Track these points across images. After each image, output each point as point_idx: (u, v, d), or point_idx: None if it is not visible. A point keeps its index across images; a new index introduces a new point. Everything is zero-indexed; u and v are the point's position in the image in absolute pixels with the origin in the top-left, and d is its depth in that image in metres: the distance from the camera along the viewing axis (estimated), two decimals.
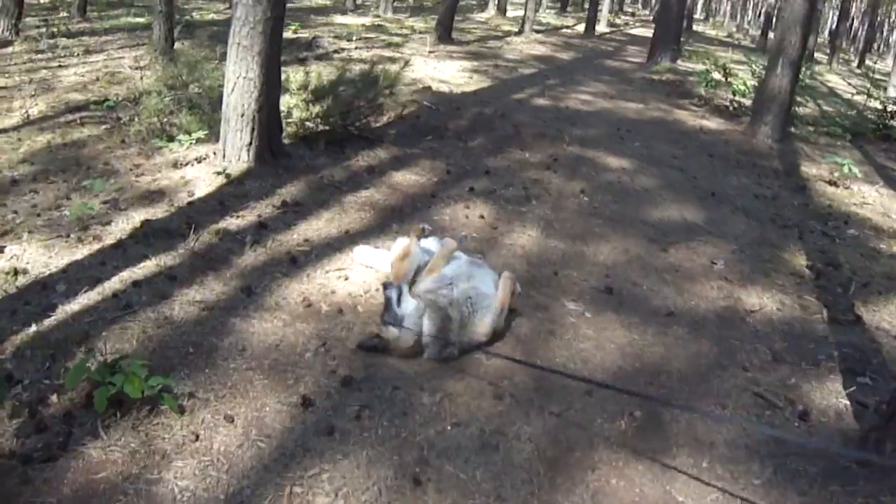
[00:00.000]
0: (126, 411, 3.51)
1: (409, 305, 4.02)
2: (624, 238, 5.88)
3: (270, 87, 6.44)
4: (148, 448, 3.32)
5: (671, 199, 6.89)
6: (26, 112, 8.17)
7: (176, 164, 6.53)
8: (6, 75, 9.88)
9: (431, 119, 8.78)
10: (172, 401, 3.56)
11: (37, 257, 4.86)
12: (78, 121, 7.90)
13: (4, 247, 4.92)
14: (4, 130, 7.56)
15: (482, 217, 6.02)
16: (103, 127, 7.71)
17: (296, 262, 5.00)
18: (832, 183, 8.35)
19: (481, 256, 5.09)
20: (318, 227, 5.59)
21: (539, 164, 7.45)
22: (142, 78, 8.79)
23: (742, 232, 6.37)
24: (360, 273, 4.93)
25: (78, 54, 11.51)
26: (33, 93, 9.00)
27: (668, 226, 6.26)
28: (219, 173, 6.05)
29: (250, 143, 6.38)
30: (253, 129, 6.34)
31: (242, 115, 6.30)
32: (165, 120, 7.48)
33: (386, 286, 4.09)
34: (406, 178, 6.75)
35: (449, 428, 3.55)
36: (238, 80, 6.29)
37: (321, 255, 5.14)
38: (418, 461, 3.34)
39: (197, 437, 3.40)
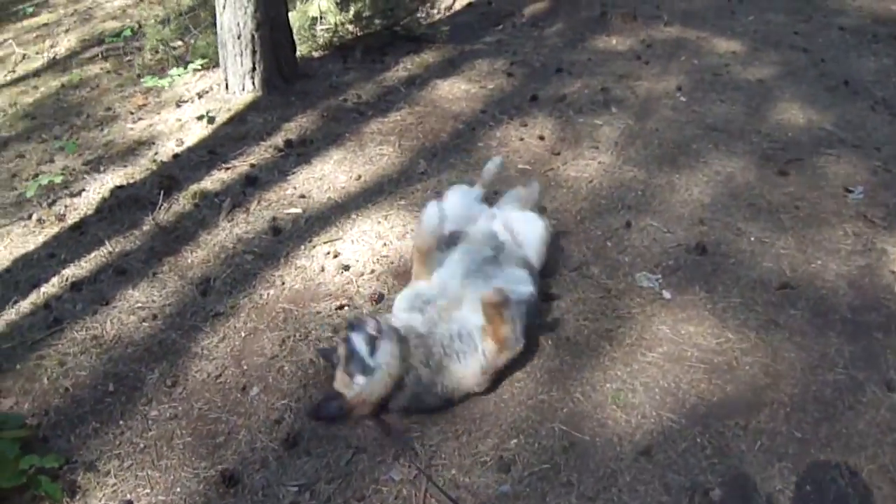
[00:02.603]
0: (3, 499, 2.60)
1: (385, 352, 2.65)
2: (729, 156, 4.18)
3: None
4: None
5: (792, 94, 4.92)
6: (53, 52, 7.33)
7: (179, 102, 5.44)
8: (51, 9, 9.10)
9: (505, 3, 7.04)
10: (53, 486, 2.62)
11: None
12: (101, 55, 6.97)
13: None
14: (24, 77, 6.77)
15: (541, 138, 4.52)
16: (127, 60, 6.73)
17: (279, 234, 3.84)
18: None
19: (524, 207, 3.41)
20: (322, 173, 4.35)
21: (627, 52, 5.65)
22: None
23: (886, 138, 4.39)
24: (356, 245, 3.68)
25: None
26: (68, 27, 8.15)
27: (787, 133, 4.41)
28: (200, 117, 4.89)
29: (254, 69, 5.16)
30: (254, 52, 5.10)
31: (239, 37, 5.06)
32: (180, 45, 6.40)
33: (354, 326, 2.66)
34: (453, 90, 5.28)
35: None
36: None
37: (314, 220, 3.94)
38: None
39: None
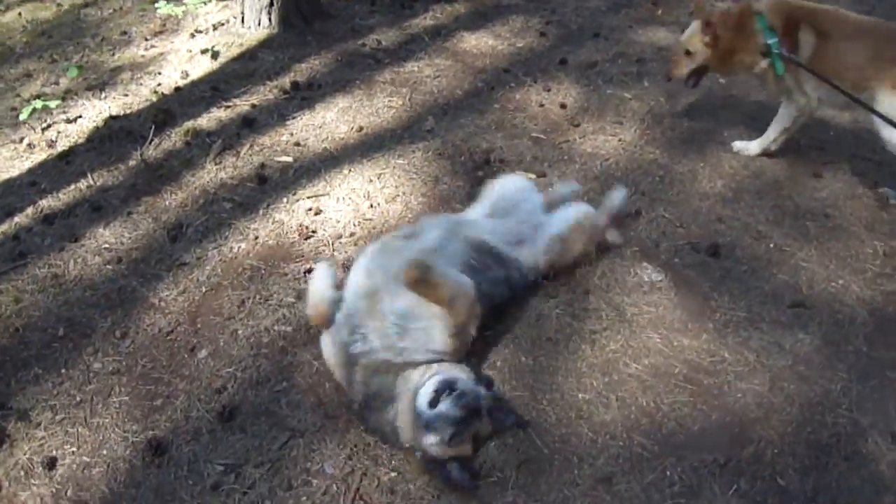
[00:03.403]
0: None
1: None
2: None
3: None
4: None
5: None
6: None
7: (194, 33, 5.21)
8: None
9: None
10: None
11: None
12: None
13: None
14: None
15: (563, 106, 4.18)
16: None
17: (264, 182, 3.62)
18: None
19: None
20: (323, 121, 4.10)
21: (673, 24, 5.17)
22: None
23: None
24: (341, 204, 3.44)
25: None
26: None
27: (829, 131, 3.88)
28: (205, 51, 4.64)
29: (271, 4, 4.90)
30: None
31: None
32: None
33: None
34: (479, 44, 4.94)
35: None
36: None
37: (304, 171, 3.70)
38: None
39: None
